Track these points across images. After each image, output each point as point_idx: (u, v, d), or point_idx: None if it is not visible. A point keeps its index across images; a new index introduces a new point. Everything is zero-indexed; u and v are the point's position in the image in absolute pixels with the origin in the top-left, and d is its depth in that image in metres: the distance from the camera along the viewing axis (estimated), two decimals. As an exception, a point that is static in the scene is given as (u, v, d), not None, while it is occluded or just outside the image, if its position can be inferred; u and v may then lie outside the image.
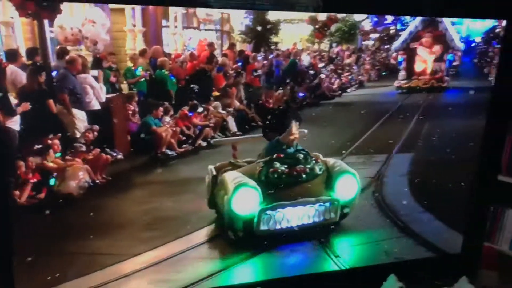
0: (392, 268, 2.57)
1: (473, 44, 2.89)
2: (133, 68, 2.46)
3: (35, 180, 2.18)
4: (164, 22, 2.48)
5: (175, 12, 2.49)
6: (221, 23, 2.60)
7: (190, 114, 2.62)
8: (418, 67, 2.83)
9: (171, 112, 2.55)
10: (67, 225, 2.23)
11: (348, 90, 2.99)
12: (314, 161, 2.54)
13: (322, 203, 2.49)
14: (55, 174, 2.24)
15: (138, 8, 2.34)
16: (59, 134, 2.21)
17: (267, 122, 2.57)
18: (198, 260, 2.42)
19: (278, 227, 2.43)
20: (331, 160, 2.62)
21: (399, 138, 2.85)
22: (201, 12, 2.44)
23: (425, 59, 2.82)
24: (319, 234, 2.56)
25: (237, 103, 2.75)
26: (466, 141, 2.79)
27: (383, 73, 2.94)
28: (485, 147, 2.69)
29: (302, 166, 2.48)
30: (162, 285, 2.29)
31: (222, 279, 2.36)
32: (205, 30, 2.57)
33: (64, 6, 2.10)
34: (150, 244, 2.34)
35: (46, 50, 2.16)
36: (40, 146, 2.18)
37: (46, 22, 2.13)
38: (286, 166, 2.45)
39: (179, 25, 2.51)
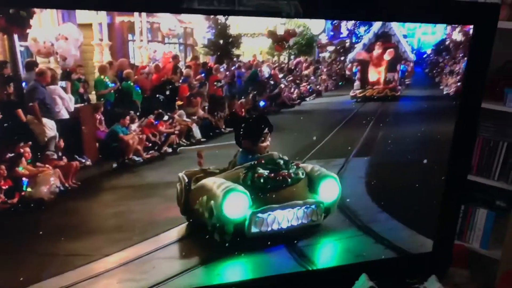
0: (363, 268, 2.64)
1: (424, 56, 3.07)
2: (103, 79, 2.57)
3: (7, 186, 2.28)
4: (130, 37, 2.61)
5: (140, 26, 2.62)
6: (184, 36, 2.73)
7: (156, 122, 2.73)
8: (371, 77, 2.99)
9: (137, 121, 2.66)
10: (39, 228, 2.31)
11: (307, 99, 3.15)
12: (295, 166, 2.66)
13: (309, 205, 2.62)
14: (27, 180, 2.33)
15: (104, 23, 2.46)
16: (30, 142, 2.31)
17: (241, 130, 2.65)
18: (166, 260, 2.52)
19: (269, 229, 2.53)
20: (308, 166, 2.75)
21: (357, 143, 3.00)
22: (164, 26, 2.58)
23: (379, 70, 2.97)
24: (293, 236, 2.65)
25: (201, 112, 2.87)
26: (430, 143, 2.94)
27: (340, 83, 3.09)
28: (455, 149, 2.77)
29: (285, 171, 2.60)
30: (131, 284, 2.39)
31: (189, 279, 2.46)
32: (169, 43, 2.70)
33: (37, 20, 2.19)
34: (119, 245, 2.43)
35: (16, 63, 2.26)
36: (12, 154, 2.28)
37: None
38: (268, 171, 2.56)
39: (144, 39, 2.64)
